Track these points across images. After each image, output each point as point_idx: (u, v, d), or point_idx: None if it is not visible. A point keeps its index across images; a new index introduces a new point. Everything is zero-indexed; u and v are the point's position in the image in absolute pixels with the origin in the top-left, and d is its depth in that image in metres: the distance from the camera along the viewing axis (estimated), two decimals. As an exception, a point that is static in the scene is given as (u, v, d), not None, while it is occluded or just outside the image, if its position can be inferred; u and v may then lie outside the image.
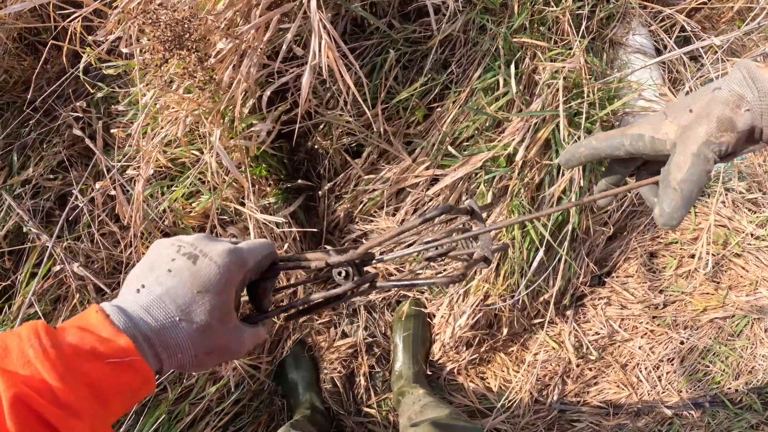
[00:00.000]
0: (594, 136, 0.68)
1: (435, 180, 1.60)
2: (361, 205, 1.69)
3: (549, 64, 1.54)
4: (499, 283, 1.58)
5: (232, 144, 1.44)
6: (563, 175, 1.53)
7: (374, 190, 1.66)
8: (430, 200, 1.63)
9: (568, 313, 1.78)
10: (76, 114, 1.73)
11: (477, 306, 1.62)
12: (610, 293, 1.81)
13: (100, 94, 1.68)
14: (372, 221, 1.72)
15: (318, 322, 1.76)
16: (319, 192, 1.73)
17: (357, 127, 1.58)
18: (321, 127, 1.63)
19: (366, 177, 1.65)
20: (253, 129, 1.42)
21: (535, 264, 1.54)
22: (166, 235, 1.61)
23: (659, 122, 0.62)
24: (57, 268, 1.57)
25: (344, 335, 1.77)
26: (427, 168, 1.56)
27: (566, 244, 1.56)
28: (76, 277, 1.52)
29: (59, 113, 1.78)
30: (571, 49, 1.57)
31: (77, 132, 1.73)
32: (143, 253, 1.53)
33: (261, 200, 1.59)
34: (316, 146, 1.66)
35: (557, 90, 1.48)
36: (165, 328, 0.54)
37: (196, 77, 1.15)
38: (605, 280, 1.84)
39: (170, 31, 1.06)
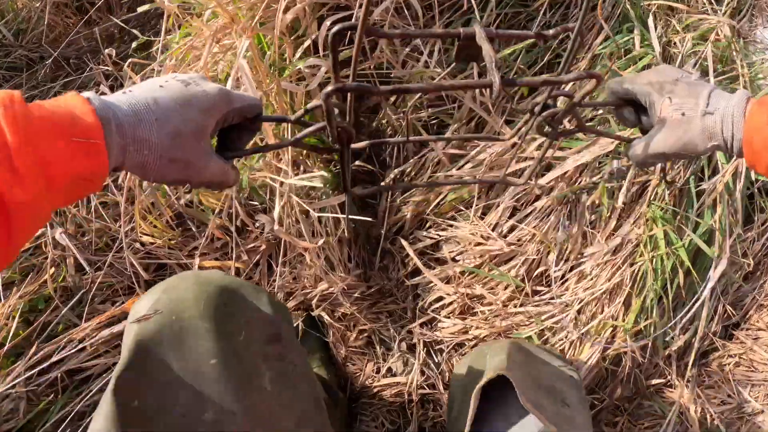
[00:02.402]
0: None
1: (546, 168, 1.22)
2: (438, 201, 1.31)
3: (689, 34, 1.20)
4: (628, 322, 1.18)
5: (273, 89, 1.12)
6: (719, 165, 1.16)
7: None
8: (537, 198, 1.23)
9: (689, 373, 1.35)
10: (105, 67, 1.49)
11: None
12: (740, 350, 1.38)
13: (134, 44, 1.43)
14: (451, 226, 1.32)
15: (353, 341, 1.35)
16: (382, 183, 1.37)
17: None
18: (394, 99, 1.31)
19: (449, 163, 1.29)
20: (307, 66, 1.10)
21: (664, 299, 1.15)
22: (178, 215, 1.28)
23: (660, 96, 0.68)
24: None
25: (392, 376, 1.35)
26: (538, 148, 1.19)
27: (713, 279, 1.17)
28: (56, 246, 1.18)
29: (90, 67, 1.63)
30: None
31: (105, 89, 1.49)
32: (142, 233, 1.23)
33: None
34: (385, 120, 1.32)
35: (705, 58, 1.15)
36: (140, 122, 0.55)
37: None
38: (733, 332, 1.42)
39: None
